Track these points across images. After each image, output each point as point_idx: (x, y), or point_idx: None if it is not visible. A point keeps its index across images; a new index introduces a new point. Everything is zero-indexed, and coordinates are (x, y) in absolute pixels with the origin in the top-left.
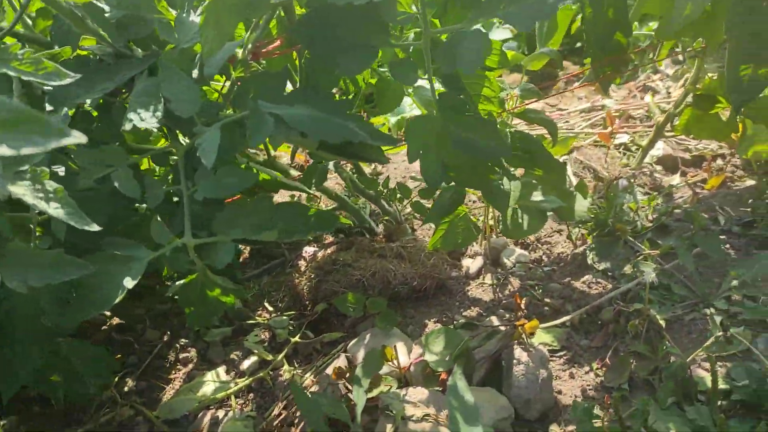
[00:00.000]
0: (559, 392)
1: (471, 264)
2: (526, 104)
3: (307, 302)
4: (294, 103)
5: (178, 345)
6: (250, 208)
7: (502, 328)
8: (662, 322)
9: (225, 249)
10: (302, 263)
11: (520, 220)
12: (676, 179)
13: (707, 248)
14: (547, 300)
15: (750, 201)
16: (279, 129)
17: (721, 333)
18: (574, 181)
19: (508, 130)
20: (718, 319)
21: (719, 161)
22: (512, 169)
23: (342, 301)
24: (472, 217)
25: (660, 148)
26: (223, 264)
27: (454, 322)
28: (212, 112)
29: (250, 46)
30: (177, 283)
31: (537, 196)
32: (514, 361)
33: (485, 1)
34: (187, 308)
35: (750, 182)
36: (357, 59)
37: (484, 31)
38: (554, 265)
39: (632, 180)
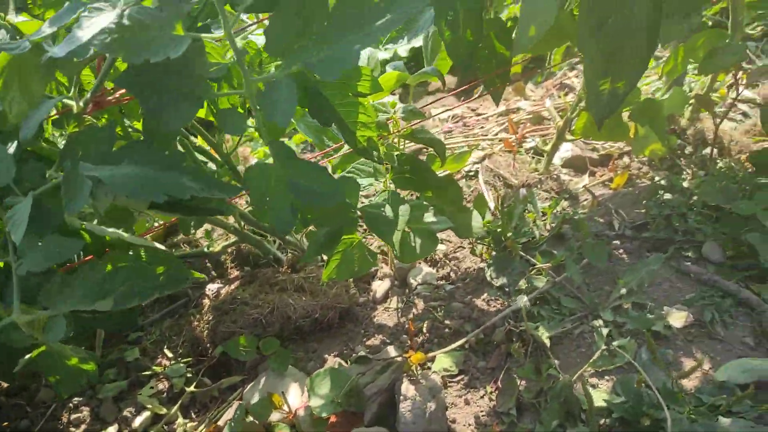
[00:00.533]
0: (453, 421)
1: (379, 287)
2: (413, 125)
3: (208, 345)
4: (123, 159)
5: (71, 404)
6: (82, 276)
7: (399, 358)
8: (547, 341)
9: (56, 324)
10: (206, 302)
11: (413, 244)
12: (584, 180)
13: (593, 258)
14: (448, 321)
15: (644, 202)
16: (101, 192)
17: (605, 347)
18: (485, 190)
19: (395, 153)
20: (604, 331)
21: (625, 159)
22: (402, 192)
23: (233, 346)
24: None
25: (568, 150)
26: (57, 339)
27: (354, 353)
28: (36, 176)
29: (87, 95)
30: (26, 356)
31: (429, 218)
32: (401, 396)
33: (297, 48)
34: (51, 377)
35: (656, 178)
36: (179, 112)
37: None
38: (460, 281)
39: (538, 185)
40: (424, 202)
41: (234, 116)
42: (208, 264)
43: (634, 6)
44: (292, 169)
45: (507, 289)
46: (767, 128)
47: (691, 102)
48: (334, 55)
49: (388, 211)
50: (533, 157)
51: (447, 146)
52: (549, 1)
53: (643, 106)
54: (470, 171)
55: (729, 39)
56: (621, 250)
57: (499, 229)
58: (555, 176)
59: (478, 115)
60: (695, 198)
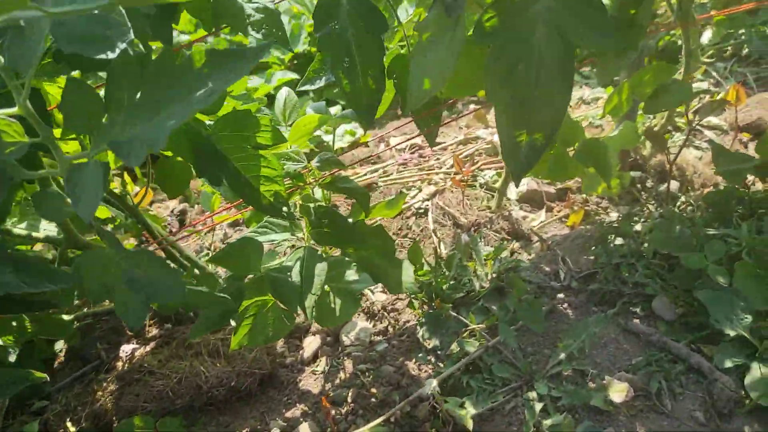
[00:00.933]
0: None
1: (308, 345)
2: (333, 173)
3: (113, 419)
4: None
5: None
6: None
7: None
8: (470, 422)
9: None
10: (120, 365)
11: (333, 305)
12: (541, 216)
13: (528, 321)
14: (374, 390)
15: (593, 248)
16: None
17: (534, 429)
18: (433, 231)
19: (311, 206)
20: (537, 406)
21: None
22: (320, 248)
23: (126, 428)
24: None
25: (524, 184)
26: None
27: (268, 429)
28: None
29: None
30: None
31: (350, 276)
32: None
33: (105, 123)
34: None
35: (614, 215)
36: None
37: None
38: (396, 339)
39: (488, 225)
40: (346, 258)
41: (50, 199)
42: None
43: (543, 52)
44: (125, 258)
45: (439, 353)
46: (720, 168)
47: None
48: (142, 134)
49: (295, 274)
50: (487, 193)
51: (398, 181)
52: (446, 52)
53: (588, 146)
54: (420, 208)
55: (683, 68)
56: (566, 305)
57: (433, 283)
58: (507, 214)
59: (436, 144)
60: (646, 245)
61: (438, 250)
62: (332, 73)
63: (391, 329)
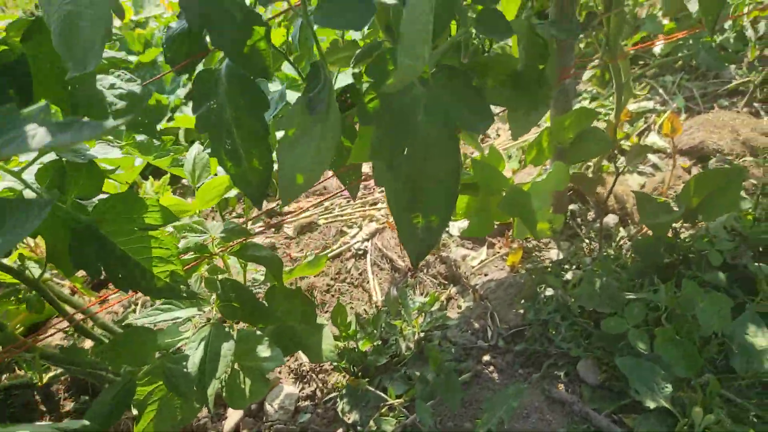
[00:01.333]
0: None
1: (231, 415)
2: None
3: None
4: None
5: None
6: None
7: None
8: None
9: None
10: None
11: (243, 385)
12: (482, 254)
13: (445, 396)
14: None
15: (522, 302)
16: None
17: None
18: (371, 273)
19: (217, 278)
20: None
21: None
22: (231, 323)
23: None
24: None
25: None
26: None
27: None
28: None
29: None
30: None
31: (263, 352)
32: None
33: None
34: None
35: (553, 252)
36: None
37: None
38: (323, 405)
39: (425, 269)
40: (258, 332)
41: None
42: (37, 397)
43: (427, 135)
44: None
45: (359, 429)
46: (645, 220)
47: (589, 167)
48: None
49: (191, 365)
50: None
51: (339, 218)
52: (318, 143)
53: (512, 196)
54: (360, 249)
55: (615, 102)
56: (491, 368)
57: (356, 349)
58: (446, 255)
59: None
60: (573, 300)
61: (373, 299)
62: (214, 154)
63: (319, 393)
